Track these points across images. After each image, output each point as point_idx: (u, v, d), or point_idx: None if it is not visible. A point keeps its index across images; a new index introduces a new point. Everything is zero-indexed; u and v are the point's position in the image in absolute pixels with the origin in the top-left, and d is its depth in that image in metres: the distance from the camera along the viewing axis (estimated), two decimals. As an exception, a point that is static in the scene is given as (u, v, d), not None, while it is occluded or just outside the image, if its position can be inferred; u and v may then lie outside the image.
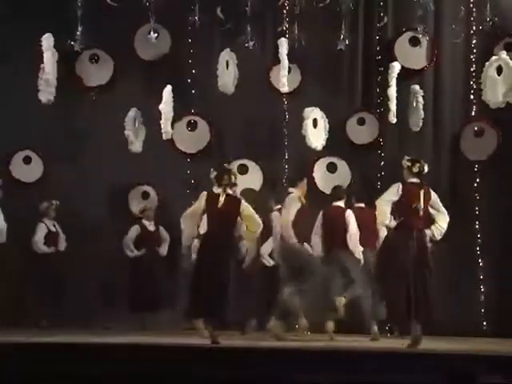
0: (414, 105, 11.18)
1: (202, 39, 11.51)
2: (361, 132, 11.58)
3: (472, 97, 11.36)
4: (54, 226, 11.21)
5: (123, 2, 11.02)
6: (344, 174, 11.44)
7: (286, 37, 11.07)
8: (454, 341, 9.31)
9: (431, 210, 8.31)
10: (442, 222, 8.36)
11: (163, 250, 11.24)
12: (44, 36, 10.61)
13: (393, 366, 6.91)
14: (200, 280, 8.32)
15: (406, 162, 8.45)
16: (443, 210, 8.38)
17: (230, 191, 8.54)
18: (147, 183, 11.66)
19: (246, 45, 11.07)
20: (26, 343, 7.84)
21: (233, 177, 8.55)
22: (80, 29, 11.03)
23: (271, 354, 7.36)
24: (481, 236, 11.08)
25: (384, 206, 8.34)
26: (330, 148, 11.39)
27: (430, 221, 8.33)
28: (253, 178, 11.49)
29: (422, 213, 8.20)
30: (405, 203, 8.22)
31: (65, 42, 10.92)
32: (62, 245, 11.24)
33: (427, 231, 8.29)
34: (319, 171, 11.50)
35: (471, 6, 11.31)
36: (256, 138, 11.66)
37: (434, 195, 8.35)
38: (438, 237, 8.45)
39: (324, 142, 11.27)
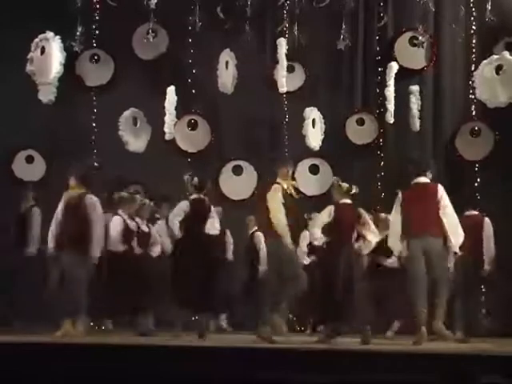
0: (414, 105, 11.19)
1: (202, 39, 11.52)
2: (360, 132, 11.58)
3: (472, 97, 11.37)
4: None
5: (123, 2, 11.04)
6: (326, 176, 11.41)
7: (285, 37, 11.08)
8: (454, 341, 9.29)
9: (361, 230, 8.47)
10: (372, 239, 8.52)
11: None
12: (49, 35, 10.55)
13: (392, 366, 6.91)
14: (184, 277, 8.82)
15: (335, 182, 8.59)
16: (374, 229, 8.56)
17: (202, 196, 9.14)
18: (136, 182, 11.58)
19: (246, 45, 11.07)
20: (26, 343, 7.83)
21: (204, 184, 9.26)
22: (80, 29, 11.07)
23: (271, 354, 7.36)
24: (481, 236, 11.06)
25: (315, 228, 8.59)
26: (329, 148, 11.40)
27: (361, 237, 8.49)
28: (248, 180, 11.52)
29: (355, 231, 8.43)
30: (337, 223, 8.42)
31: (65, 42, 10.92)
32: None
33: (356, 244, 8.47)
34: (301, 173, 11.49)
35: (471, 6, 11.32)
36: (256, 138, 11.67)
37: (364, 215, 8.49)
38: (366, 251, 8.60)
39: (320, 143, 11.28)
